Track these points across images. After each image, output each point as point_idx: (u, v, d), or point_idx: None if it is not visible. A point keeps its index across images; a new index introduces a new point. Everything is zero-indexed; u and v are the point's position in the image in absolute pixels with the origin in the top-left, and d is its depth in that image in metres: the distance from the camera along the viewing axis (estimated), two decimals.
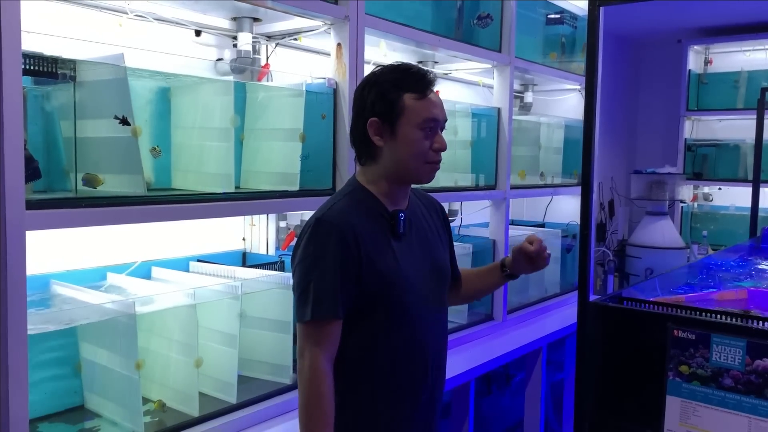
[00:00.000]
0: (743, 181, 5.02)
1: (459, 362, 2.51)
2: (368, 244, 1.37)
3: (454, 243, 1.72)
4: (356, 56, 2.11)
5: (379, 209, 1.44)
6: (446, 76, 3.36)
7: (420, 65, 1.48)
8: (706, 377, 1.33)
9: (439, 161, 1.44)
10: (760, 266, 2.34)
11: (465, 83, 3.55)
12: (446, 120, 1.46)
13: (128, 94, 1.56)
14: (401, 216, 1.43)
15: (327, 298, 1.34)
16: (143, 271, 2.06)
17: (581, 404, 1.53)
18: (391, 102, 1.38)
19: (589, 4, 1.44)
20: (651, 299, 1.52)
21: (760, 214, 3.94)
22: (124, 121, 1.54)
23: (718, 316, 1.36)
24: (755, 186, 3.70)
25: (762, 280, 2.09)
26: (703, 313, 1.38)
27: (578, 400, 1.54)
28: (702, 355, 1.33)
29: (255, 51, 2.25)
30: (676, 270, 2.26)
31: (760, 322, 1.29)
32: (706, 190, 5.71)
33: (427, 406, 1.48)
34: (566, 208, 3.74)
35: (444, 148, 1.43)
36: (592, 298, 1.63)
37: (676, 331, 1.35)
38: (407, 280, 1.41)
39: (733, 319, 1.32)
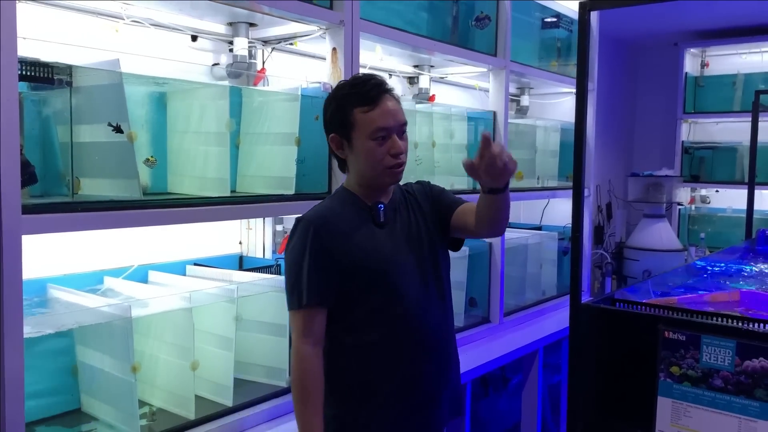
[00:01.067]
0: (740, 183, 5.04)
1: None
2: (348, 233, 1.50)
3: None
4: (351, 61, 2.12)
5: (360, 204, 1.56)
6: (442, 80, 3.37)
7: (372, 78, 1.53)
8: (697, 378, 1.34)
9: (401, 164, 1.52)
10: (754, 268, 2.35)
11: (461, 87, 3.56)
12: (403, 123, 1.52)
13: (124, 100, 1.57)
14: (380, 207, 1.55)
15: (306, 288, 1.46)
16: (140, 275, 2.07)
17: (574, 405, 1.54)
18: (344, 118, 1.50)
19: (580, 8, 1.46)
20: (643, 301, 1.53)
21: (756, 216, 3.96)
22: (118, 129, 1.55)
23: (708, 317, 1.37)
24: (750, 188, 3.72)
25: (756, 282, 2.10)
26: (693, 315, 1.39)
27: (571, 401, 1.55)
28: (692, 356, 1.35)
29: (251, 56, 2.26)
30: (670, 272, 2.27)
31: (749, 323, 1.30)
32: (703, 192, 5.72)
33: (431, 378, 1.56)
34: (563, 211, 3.75)
35: (401, 152, 1.50)
36: (587, 299, 1.64)
37: (666, 333, 1.36)
38: (392, 261, 1.52)
39: (723, 320, 1.33)
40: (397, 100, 1.54)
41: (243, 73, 2.23)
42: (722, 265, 2.39)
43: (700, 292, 1.89)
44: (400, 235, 1.57)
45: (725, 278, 2.16)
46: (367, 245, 1.51)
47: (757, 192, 4.26)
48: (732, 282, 2.10)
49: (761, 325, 1.29)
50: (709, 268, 2.33)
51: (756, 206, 4.12)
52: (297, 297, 1.47)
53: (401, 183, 1.65)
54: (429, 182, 1.73)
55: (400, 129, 1.52)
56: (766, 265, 2.38)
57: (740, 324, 1.30)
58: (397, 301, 1.51)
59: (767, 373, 1.26)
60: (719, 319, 1.34)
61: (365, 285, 1.51)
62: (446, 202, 1.64)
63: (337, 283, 1.48)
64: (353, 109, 1.49)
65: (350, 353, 1.53)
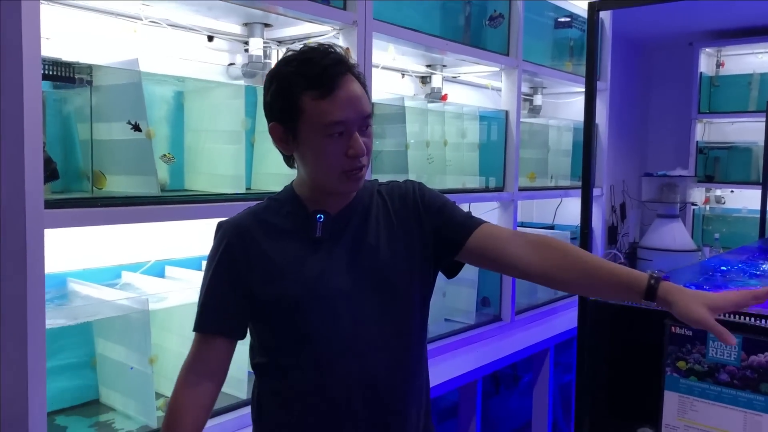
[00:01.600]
0: (755, 183, 5.01)
1: (466, 361, 2.55)
2: (268, 252, 1.20)
3: None
4: (364, 60, 2.16)
5: (299, 211, 1.24)
6: (455, 80, 3.40)
7: (330, 50, 1.18)
8: (703, 372, 1.36)
9: (361, 168, 1.17)
10: (765, 267, 2.35)
11: (474, 86, 3.59)
12: (367, 116, 1.17)
13: (142, 98, 1.62)
14: (320, 218, 1.21)
15: (206, 310, 1.22)
16: (157, 270, 2.12)
17: (582, 400, 1.56)
18: (288, 104, 1.16)
19: (589, 8, 1.48)
20: None
21: None
22: (137, 127, 1.59)
23: None
24: (764, 188, 3.71)
25: (766, 281, 2.10)
26: None
27: (579, 397, 1.57)
28: (699, 351, 1.36)
29: (266, 56, 2.30)
30: (681, 269, 2.28)
31: (756, 319, 1.32)
32: (718, 192, 5.70)
33: None
34: (575, 210, 3.74)
35: (362, 153, 1.16)
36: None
37: (673, 328, 1.38)
38: (319, 290, 1.19)
39: (729, 316, 1.35)
40: (361, 82, 1.19)
41: (258, 72, 2.26)
42: (733, 264, 2.40)
43: (709, 289, 1.89)
44: (345, 255, 1.21)
45: (736, 276, 2.16)
46: (288, 268, 1.19)
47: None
48: (742, 280, 2.10)
49: (766, 320, 1.31)
50: (719, 266, 2.34)
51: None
52: (198, 317, 1.23)
53: (384, 181, 1.35)
54: (421, 185, 1.32)
55: (363, 122, 1.16)
56: None
57: (747, 319, 1.32)
58: (318, 342, 1.19)
59: None
60: (725, 315, 1.36)
61: (279, 319, 1.20)
62: (456, 218, 1.27)
63: (243, 312, 1.22)
64: (301, 93, 1.14)
65: (266, 401, 1.26)
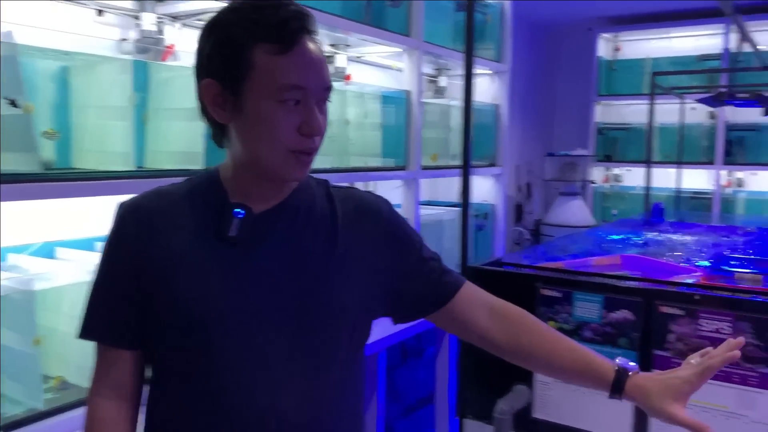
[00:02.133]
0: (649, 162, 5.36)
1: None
2: (172, 243, 0.98)
3: None
4: None
5: (216, 201, 1.00)
6: (360, 60, 3.43)
7: (286, 1, 0.97)
8: (570, 330, 1.47)
9: (313, 150, 0.96)
10: (643, 237, 2.54)
11: (381, 67, 3.64)
12: (329, 88, 0.97)
13: (19, 72, 1.56)
14: (238, 214, 0.97)
15: (93, 312, 1.02)
16: (46, 252, 2.06)
17: (464, 360, 1.65)
18: (235, 56, 0.93)
19: None
20: (525, 263, 1.65)
21: (664, 193, 4.28)
22: (13, 103, 1.54)
23: (576, 275, 1.50)
24: (648, 167, 3.99)
25: (641, 248, 2.27)
26: (565, 273, 1.52)
27: (461, 357, 1.66)
28: (566, 311, 1.47)
29: (159, 31, 2.26)
30: (563, 239, 2.42)
31: (613, 280, 1.44)
32: (616, 171, 6.03)
33: None
34: (478, 188, 3.89)
35: (317, 133, 0.95)
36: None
37: (543, 290, 1.48)
38: (223, 306, 0.96)
39: (590, 278, 1.46)
40: (321, 50, 0.98)
41: (151, 48, 2.22)
42: (616, 233, 2.57)
43: (587, 257, 2.03)
44: (264, 266, 0.98)
45: (615, 246, 2.32)
46: (189, 272, 0.97)
47: (663, 170, 4.58)
48: (621, 249, 2.26)
49: (623, 281, 1.43)
50: (602, 237, 2.50)
51: (663, 184, 4.45)
52: (84, 321, 1.02)
53: (340, 184, 1.12)
54: (391, 208, 1.12)
55: (322, 95, 0.96)
56: (654, 234, 2.57)
57: (606, 280, 1.43)
58: (217, 373, 0.95)
59: (629, 323, 1.39)
60: (587, 277, 1.47)
61: (170, 332, 0.98)
62: (435, 273, 1.10)
63: (138, 320, 0.99)
64: (254, 45, 0.92)
65: (152, 422, 1.04)
